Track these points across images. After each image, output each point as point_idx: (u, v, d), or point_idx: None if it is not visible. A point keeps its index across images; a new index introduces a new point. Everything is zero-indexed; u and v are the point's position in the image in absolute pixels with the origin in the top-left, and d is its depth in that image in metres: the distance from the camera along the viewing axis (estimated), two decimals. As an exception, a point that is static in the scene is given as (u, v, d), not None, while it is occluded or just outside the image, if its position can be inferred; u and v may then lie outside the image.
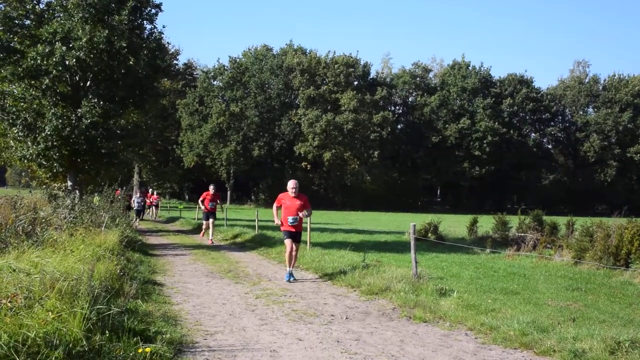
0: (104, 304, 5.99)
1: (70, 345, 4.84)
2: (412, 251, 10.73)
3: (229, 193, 69.42)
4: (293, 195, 11.88)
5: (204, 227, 21.47)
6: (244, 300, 9.34)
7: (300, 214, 11.78)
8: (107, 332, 5.56)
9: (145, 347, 5.47)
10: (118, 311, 6.26)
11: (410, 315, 8.33)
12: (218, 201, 21.35)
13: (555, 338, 6.49)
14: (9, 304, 5.14)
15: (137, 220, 30.05)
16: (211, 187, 21.02)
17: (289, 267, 11.80)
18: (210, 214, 20.73)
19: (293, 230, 11.85)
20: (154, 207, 40.14)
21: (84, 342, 4.99)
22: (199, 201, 21.31)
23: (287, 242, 11.85)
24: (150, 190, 40.54)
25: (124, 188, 33.08)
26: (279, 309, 8.71)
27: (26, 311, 5.29)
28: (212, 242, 19.96)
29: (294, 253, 11.88)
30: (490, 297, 9.40)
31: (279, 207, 12.14)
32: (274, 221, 12.43)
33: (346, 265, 12.38)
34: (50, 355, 4.50)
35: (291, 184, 12.05)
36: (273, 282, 11.46)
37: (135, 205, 31.07)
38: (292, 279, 11.59)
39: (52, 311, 5.31)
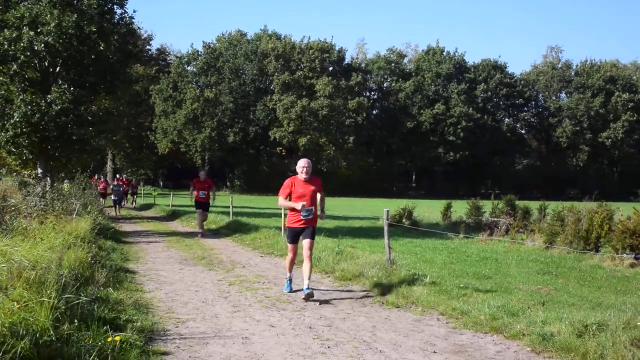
0: (73, 293, 5.91)
1: (37, 335, 4.77)
2: (386, 237, 10.75)
3: (203, 179, 68.99)
4: (304, 178, 8.84)
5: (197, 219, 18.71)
6: (217, 287, 9.31)
7: (319, 212, 9.03)
8: (75, 321, 5.48)
9: (115, 336, 5.41)
10: (87, 300, 6.17)
11: (383, 301, 8.37)
12: (210, 189, 18.47)
13: (525, 322, 6.56)
14: (-27, 294, 5.06)
15: (118, 209, 28.31)
16: (201, 174, 18.67)
17: (290, 272, 9.15)
18: (200, 204, 18.14)
19: (305, 226, 8.81)
20: (133, 195, 38.44)
21: (52, 332, 4.92)
22: (190, 190, 19.00)
23: (291, 247, 9.05)
24: (124, 176, 38.60)
25: (100, 175, 32.38)
26: (252, 295, 8.70)
27: (-9, 301, 5.20)
28: (202, 235, 17.62)
29: (306, 253, 8.78)
30: (463, 281, 9.47)
31: (288, 198, 8.90)
32: (283, 208, 10.10)
33: (320, 252, 12.37)
34: (16, 346, 4.43)
35: (302, 162, 8.93)
36: (247, 268, 11.43)
37: (113, 195, 28.73)
38: (308, 292, 8.39)
39: (17, 301, 5.23)
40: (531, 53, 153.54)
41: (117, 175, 32.94)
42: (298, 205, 8.58)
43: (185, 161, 69.31)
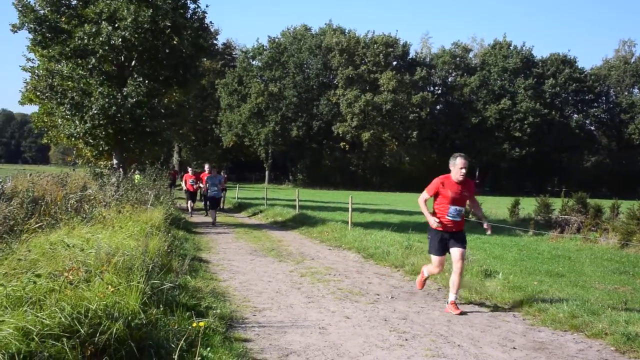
0: (157, 279, 6.12)
1: (129, 317, 4.98)
2: (457, 232, 10.65)
3: (267, 173, 69.89)
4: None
5: (434, 266, 7.89)
6: (289, 278, 9.45)
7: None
8: (161, 306, 5.69)
9: (199, 322, 5.58)
10: (171, 286, 6.38)
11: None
12: (471, 200, 8.03)
13: (607, 321, 6.42)
14: (70, 277, 5.29)
15: (215, 213, 19.59)
16: (459, 162, 7.55)
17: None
18: (454, 237, 7.64)
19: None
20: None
21: (142, 315, 5.12)
22: (422, 201, 7.75)
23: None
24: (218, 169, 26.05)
25: (176, 168, 31.75)
26: (324, 287, 8.79)
27: (85, 284, 5.42)
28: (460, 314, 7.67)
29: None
30: (536, 279, 9.34)
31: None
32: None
33: (389, 245, 12.39)
34: (112, 327, 4.63)
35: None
36: (316, 260, 11.54)
37: (210, 191, 19.89)
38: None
39: (110, 284, 5.45)
40: (602, 47, 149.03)
41: (213, 166, 21.77)
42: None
43: (249, 155, 70.36)
